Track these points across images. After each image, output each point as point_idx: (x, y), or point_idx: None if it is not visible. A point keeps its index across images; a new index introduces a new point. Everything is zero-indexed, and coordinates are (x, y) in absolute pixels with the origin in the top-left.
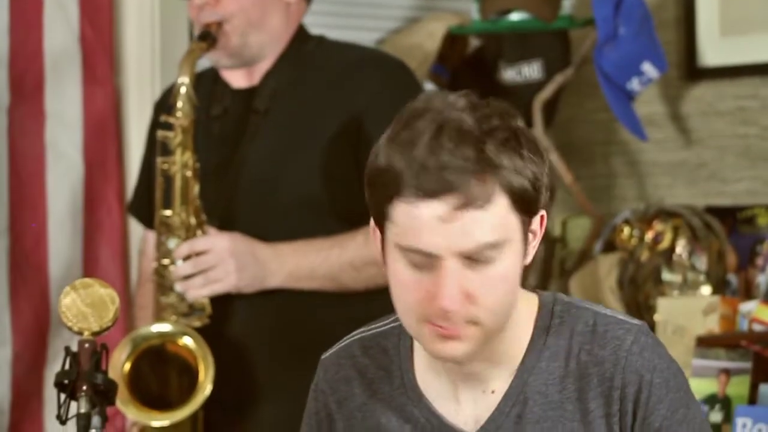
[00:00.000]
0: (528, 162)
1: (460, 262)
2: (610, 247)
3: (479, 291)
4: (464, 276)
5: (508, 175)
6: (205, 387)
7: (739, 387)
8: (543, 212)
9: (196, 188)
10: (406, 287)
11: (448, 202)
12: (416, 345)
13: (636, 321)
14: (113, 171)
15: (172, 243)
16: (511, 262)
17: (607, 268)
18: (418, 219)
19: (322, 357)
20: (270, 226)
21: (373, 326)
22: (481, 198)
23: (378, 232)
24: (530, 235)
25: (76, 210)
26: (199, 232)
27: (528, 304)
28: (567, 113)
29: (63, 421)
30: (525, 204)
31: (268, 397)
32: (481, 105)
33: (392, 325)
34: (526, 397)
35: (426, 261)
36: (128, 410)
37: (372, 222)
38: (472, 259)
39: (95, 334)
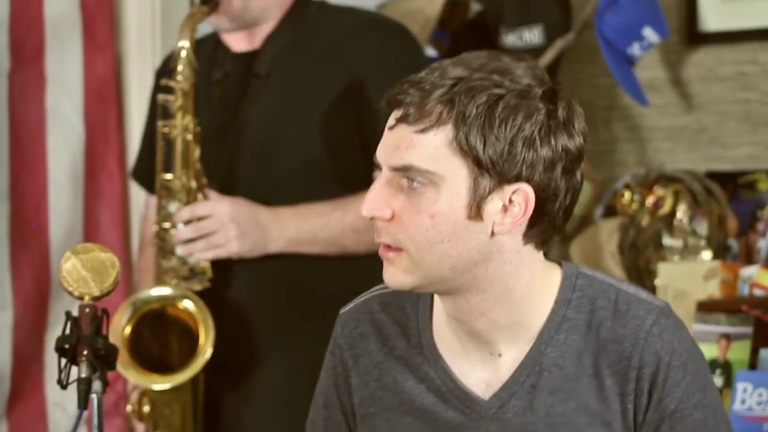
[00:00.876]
0: (499, 129)
1: (394, 179)
2: (610, 211)
3: (404, 215)
4: (394, 194)
5: (459, 117)
6: (206, 350)
7: (739, 352)
8: (521, 187)
9: (196, 152)
10: None
11: (396, 114)
12: (436, 304)
13: (658, 301)
14: (114, 136)
15: (172, 206)
16: (442, 205)
17: (607, 232)
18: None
19: (341, 312)
20: (271, 190)
21: None
22: (421, 120)
23: None
24: (501, 204)
25: (76, 175)
26: (199, 195)
27: (548, 276)
28: (568, 78)
29: (64, 385)
30: (473, 157)
31: (268, 360)
32: (516, 67)
33: None
34: (542, 367)
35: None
36: (129, 374)
37: None
38: (406, 181)
39: (96, 298)
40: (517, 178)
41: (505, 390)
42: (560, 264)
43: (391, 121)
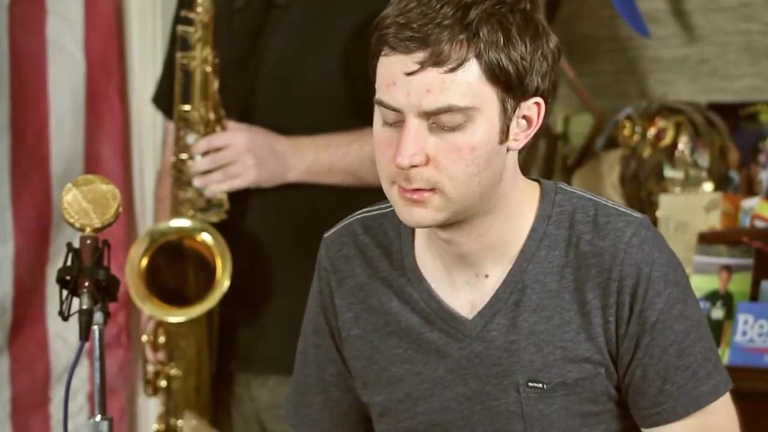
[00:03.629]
0: (515, 41)
1: (424, 122)
2: (612, 143)
3: (441, 156)
4: (428, 139)
5: (485, 46)
6: (223, 283)
7: (740, 283)
8: (538, 100)
9: (215, 84)
10: (378, 145)
11: (416, 57)
12: (417, 229)
13: (637, 214)
14: (115, 68)
15: (190, 138)
16: (481, 135)
17: (609, 164)
18: (389, 71)
19: (324, 236)
20: (288, 120)
21: (375, 207)
22: (449, 59)
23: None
24: (522, 121)
25: (77, 106)
26: (218, 127)
27: (529, 192)
28: (569, 9)
29: (65, 317)
30: (503, 81)
31: (282, 291)
32: None
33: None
34: (525, 285)
35: (395, 117)
36: (145, 306)
37: None
38: (437, 122)
39: (97, 230)
40: (535, 92)
41: (489, 308)
42: (539, 181)
43: (409, 65)
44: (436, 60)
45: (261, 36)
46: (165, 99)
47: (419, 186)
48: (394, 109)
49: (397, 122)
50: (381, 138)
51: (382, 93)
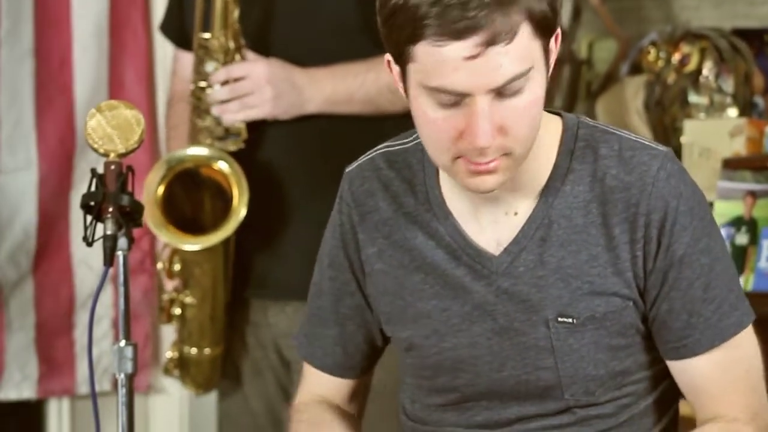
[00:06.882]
0: None
1: (490, 97)
2: (636, 69)
3: (511, 123)
4: (495, 110)
5: (528, 2)
6: (239, 212)
7: (765, 209)
8: (558, 32)
9: (236, 12)
10: (435, 126)
11: (473, 41)
12: None
13: (662, 147)
14: None
15: (210, 66)
16: (537, 88)
17: (633, 90)
18: (444, 59)
19: (347, 170)
20: (306, 51)
21: (398, 141)
22: (506, 32)
23: (396, 68)
24: (552, 57)
25: (101, 31)
26: (237, 56)
27: (552, 127)
28: None
29: (89, 242)
30: (546, 28)
31: (299, 219)
32: None
33: (417, 141)
34: (551, 220)
35: (455, 99)
36: (162, 234)
37: (388, 57)
38: (502, 92)
39: (121, 155)
40: (557, 26)
41: (515, 245)
42: (560, 114)
43: (469, 50)
44: (494, 38)
45: None
46: (173, 27)
47: (493, 157)
48: (457, 94)
49: (456, 102)
50: (436, 118)
51: (437, 79)
